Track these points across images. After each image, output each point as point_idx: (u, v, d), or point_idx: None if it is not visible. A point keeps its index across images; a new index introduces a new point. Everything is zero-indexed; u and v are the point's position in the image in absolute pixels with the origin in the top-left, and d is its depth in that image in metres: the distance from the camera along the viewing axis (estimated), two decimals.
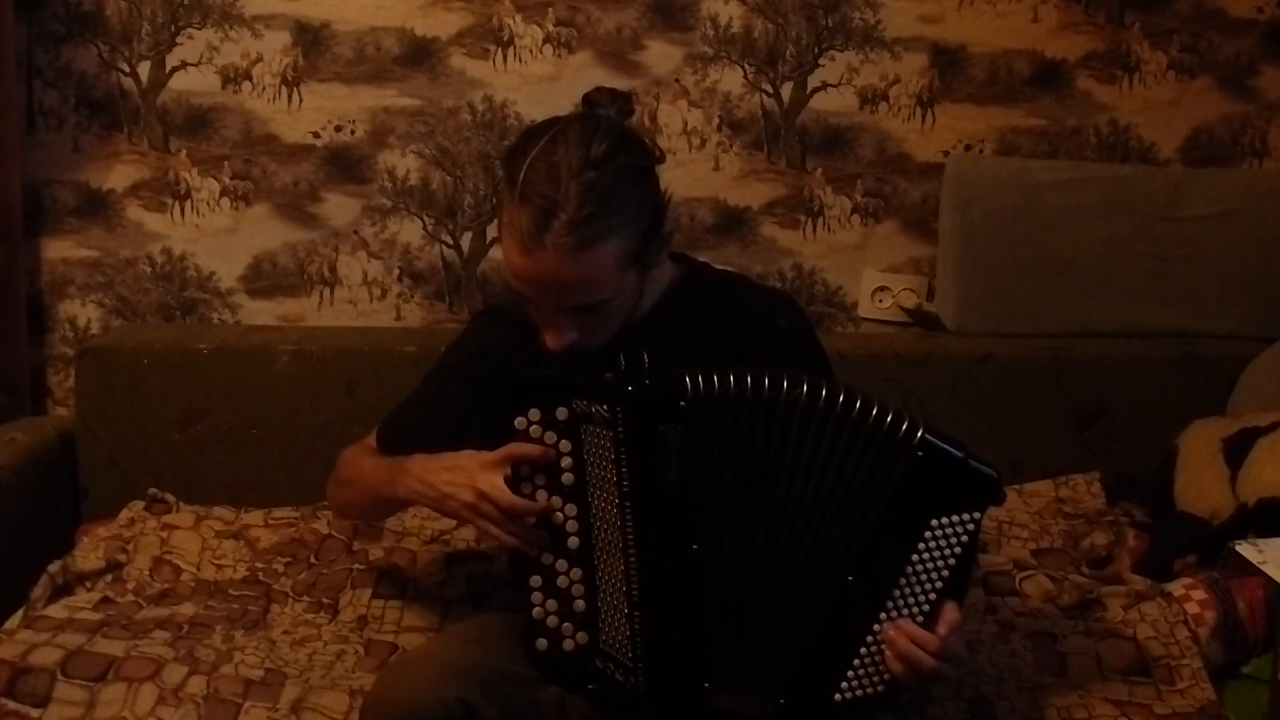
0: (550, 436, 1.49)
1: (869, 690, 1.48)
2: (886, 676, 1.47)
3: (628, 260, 1.48)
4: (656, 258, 1.55)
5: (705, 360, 1.48)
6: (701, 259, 1.77)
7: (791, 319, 1.69)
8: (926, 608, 1.46)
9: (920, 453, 1.44)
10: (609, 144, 1.45)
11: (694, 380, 1.44)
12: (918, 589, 1.46)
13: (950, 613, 1.46)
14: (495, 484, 1.50)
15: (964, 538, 1.46)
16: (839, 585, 1.46)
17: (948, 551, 1.45)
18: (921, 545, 1.45)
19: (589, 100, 1.53)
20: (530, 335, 1.57)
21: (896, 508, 1.44)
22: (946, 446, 1.46)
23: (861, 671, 1.47)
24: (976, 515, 1.46)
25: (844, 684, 1.47)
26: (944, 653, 1.44)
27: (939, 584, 1.46)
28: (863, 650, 1.46)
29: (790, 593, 1.47)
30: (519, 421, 1.49)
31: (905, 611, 1.46)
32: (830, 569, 1.46)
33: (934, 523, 1.45)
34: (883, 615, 1.46)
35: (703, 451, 1.45)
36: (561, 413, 1.49)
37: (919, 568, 1.45)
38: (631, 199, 1.47)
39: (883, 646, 1.45)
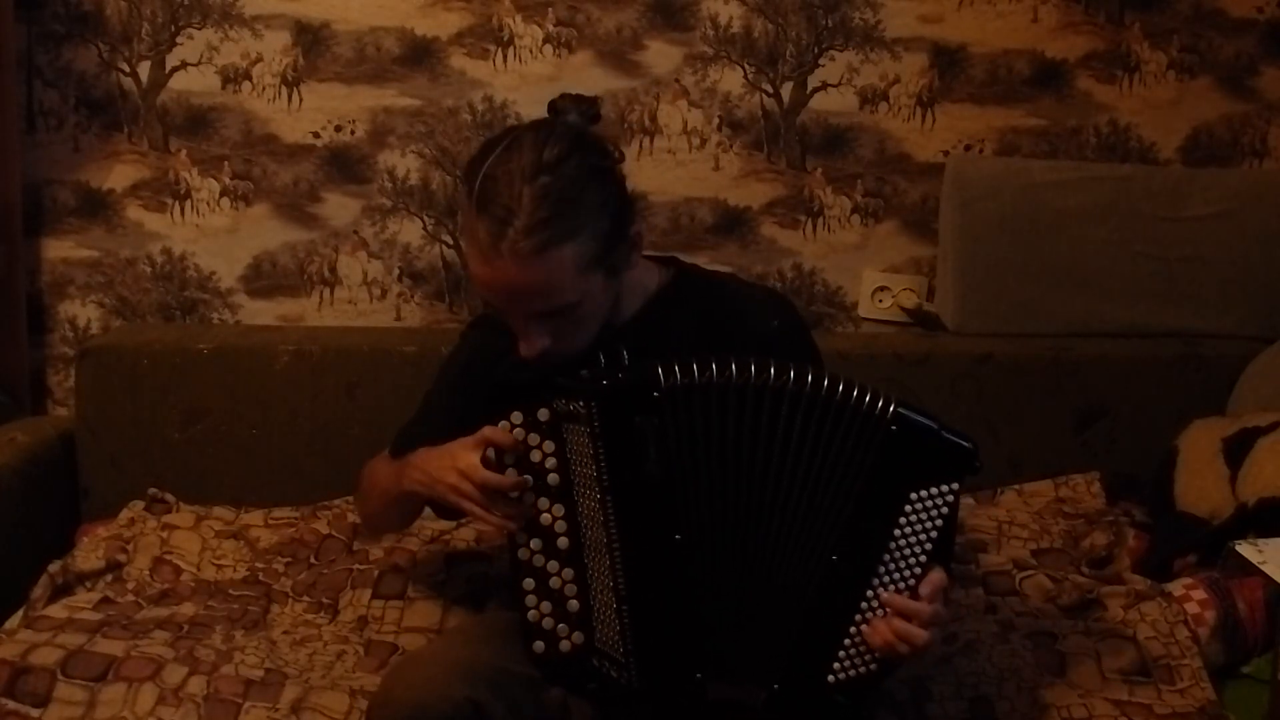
0: (534, 438, 1.50)
1: (862, 669, 1.48)
2: (878, 654, 1.47)
3: (589, 263, 1.47)
4: (625, 260, 1.54)
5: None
6: (701, 259, 1.77)
7: (785, 319, 1.69)
8: (912, 581, 1.46)
9: (894, 427, 1.44)
10: (563, 147, 1.45)
11: (668, 371, 1.45)
12: (902, 563, 1.46)
13: (935, 574, 1.46)
14: (471, 461, 1.51)
15: (944, 509, 1.46)
16: (824, 567, 1.46)
17: (929, 524, 1.46)
18: (903, 520, 1.45)
19: (553, 107, 1.55)
20: (515, 342, 1.58)
21: (875, 484, 1.45)
22: (920, 419, 1.46)
23: (853, 651, 1.48)
24: (955, 485, 1.46)
25: (836, 665, 1.48)
26: (933, 620, 1.45)
27: (923, 556, 1.46)
28: (852, 630, 1.47)
29: (777, 578, 1.48)
30: (503, 425, 1.50)
31: (892, 587, 1.46)
32: (815, 551, 1.46)
33: (913, 496, 1.45)
34: (869, 593, 1.46)
35: (681, 441, 1.45)
36: (543, 414, 1.49)
37: (901, 542, 1.45)
38: (589, 202, 1.46)
39: (873, 622, 1.45)
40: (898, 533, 1.45)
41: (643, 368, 1.47)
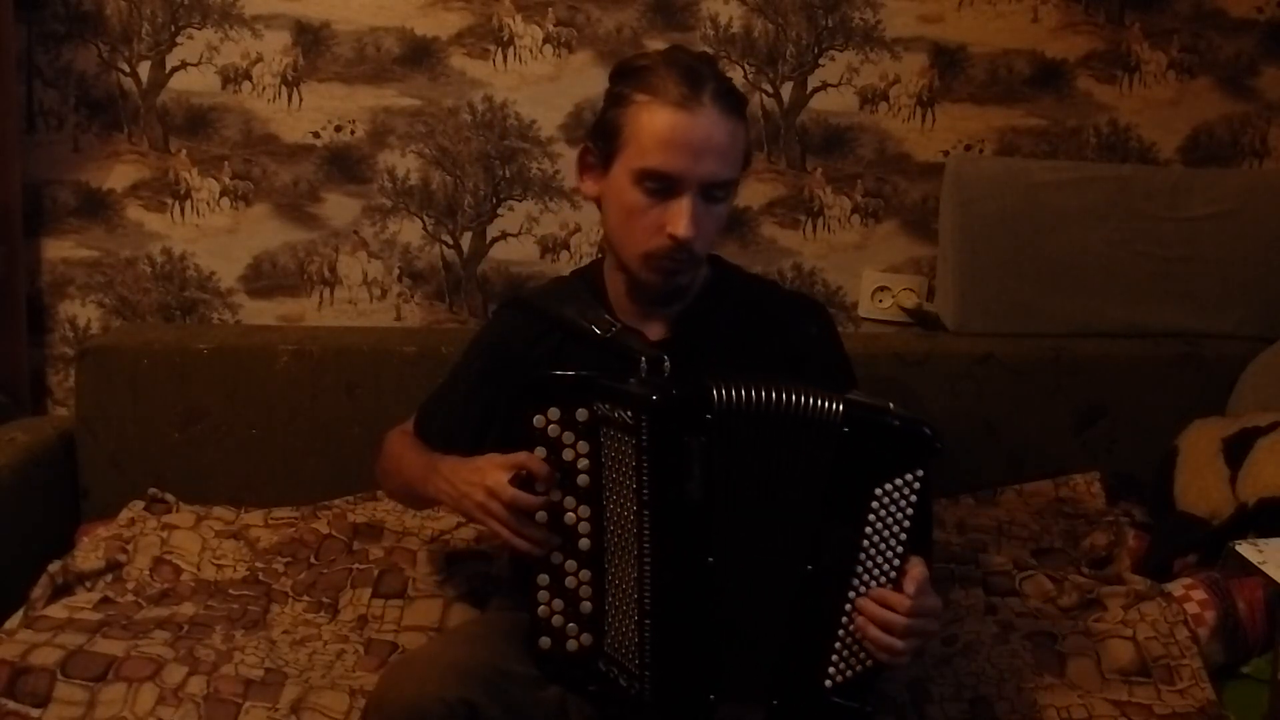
0: (568, 436, 1.49)
1: (858, 668, 1.48)
2: (871, 649, 1.47)
3: (746, 154, 1.59)
4: (734, 194, 1.63)
5: (737, 358, 1.50)
6: None
7: (822, 327, 1.72)
8: (893, 574, 1.46)
9: (847, 429, 1.44)
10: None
11: (720, 392, 1.44)
12: (879, 558, 1.46)
13: (915, 569, 1.45)
14: (500, 480, 1.50)
15: (912, 498, 1.45)
16: (801, 577, 1.46)
17: (900, 515, 1.45)
18: (872, 516, 1.44)
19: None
20: (549, 328, 1.57)
21: (838, 486, 1.44)
22: (871, 414, 1.45)
23: (845, 652, 1.47)
24: (919, 472, 1.45)
25: (831, 669, 1.48)
26: (916, 610, 1.44)
27: (899, 548, 1.45)
28: (840, 633, 1.47)
29: (765, 595, 1.48)
30: (538, 419, 1.49)
31: (873, 582, 1.46)
32: (792, 562, 1.46)
33: (878, 491, 1.44)
34: (851, 593, 1.46)
35: (726, 464, 1.45)
36: (581, 414, 1.48)
37: (875, 538, 1.45)
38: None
39: (857, 619, 1.45)
40: (869, 530, 1.45)
41: (696, 385, 1.46)
